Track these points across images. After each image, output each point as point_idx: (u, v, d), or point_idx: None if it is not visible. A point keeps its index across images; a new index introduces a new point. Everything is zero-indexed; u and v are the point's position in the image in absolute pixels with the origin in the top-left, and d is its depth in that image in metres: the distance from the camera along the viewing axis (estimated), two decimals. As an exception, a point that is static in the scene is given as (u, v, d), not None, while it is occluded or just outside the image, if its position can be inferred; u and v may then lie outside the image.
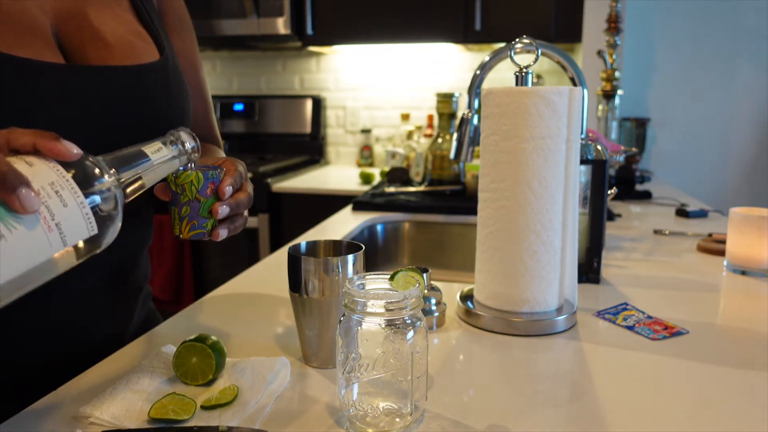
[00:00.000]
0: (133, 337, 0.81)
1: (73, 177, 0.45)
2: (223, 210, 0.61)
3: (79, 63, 0.69)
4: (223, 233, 0.63)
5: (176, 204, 0.61)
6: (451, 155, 1.20)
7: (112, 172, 0.49)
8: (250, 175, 0.75)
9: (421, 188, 1.80)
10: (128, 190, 0.51)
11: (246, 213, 0.67)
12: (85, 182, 0.46)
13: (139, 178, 0.52)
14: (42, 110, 0.63)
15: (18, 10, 0.65)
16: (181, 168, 0.60)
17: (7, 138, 0.45)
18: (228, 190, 0.62)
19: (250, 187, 0.68)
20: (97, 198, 0.46)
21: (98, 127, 0.68)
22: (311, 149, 2.97)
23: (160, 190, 0.64)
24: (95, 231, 0.46)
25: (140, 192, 0.53)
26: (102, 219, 0.47)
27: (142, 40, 0.76)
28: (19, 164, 0.43)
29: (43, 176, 0.44)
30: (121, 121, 0.70)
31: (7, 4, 0.64)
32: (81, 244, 0.46)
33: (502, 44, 1.21)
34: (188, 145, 0.58)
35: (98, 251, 0.49)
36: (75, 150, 0.46)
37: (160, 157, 0.55)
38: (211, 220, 0.62)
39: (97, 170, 0.47)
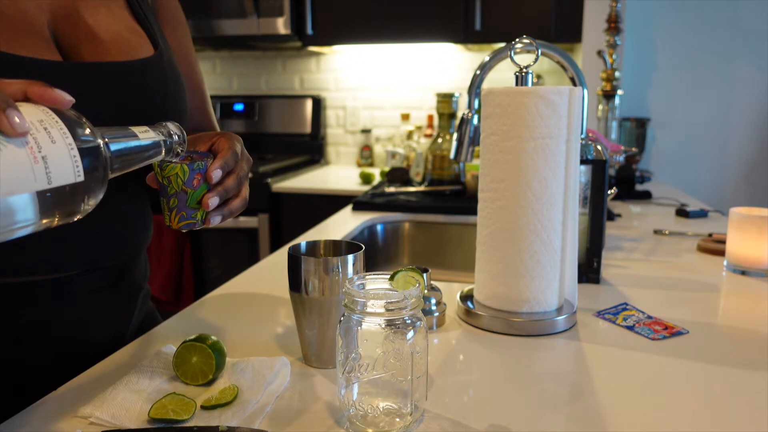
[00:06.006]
0: (133, 337, 0.81)
1: (64, 122, 0.43)
2: (212, 201, 0.61)
3: (75, 60, 0.69)
4: (215, 220, 0.62)
5: (164, 195, 0.61)
6: (451, 155, 1.20)
7: (100, 135, 0.47)
8: (250, 175, 0.73)
9: (421, 188, 1.80)
10: (115, 161, 0.48)
11: (245, 193, 0.66)
12: (75, 131, 0.44)
13: (127, 152, 0.50)
14: None
15: (16, 10, 0.65)
16: (169, 160, 0.58)
17: None
18: (216, 174, 0.61)
19: (246, 166, 0.66)
20: (86, 146, 0.44)
21: (97, 123, 0.68)
22: (311, 149, 2.97)
23: (151, 179, 0.63)
24: (81, 178, 0.44)
25: (125, 170, 0.50)
26: (89, 171, 0.44)
27: (137, 35, 0.76)
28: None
29: (33, 114, 0.42)
30: (120, 117, 0.70)
31: (5, 4, 0.64)
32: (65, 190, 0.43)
33: (502, 44, 1.21)
34: (175, 137, 0.56)
35: (76, 217, 0.46)
36: (68, 97, 0.44)
37: (147, 139, 0.52)
38: (200, 210, 0.61)
39: (87, 129, 0.46)
